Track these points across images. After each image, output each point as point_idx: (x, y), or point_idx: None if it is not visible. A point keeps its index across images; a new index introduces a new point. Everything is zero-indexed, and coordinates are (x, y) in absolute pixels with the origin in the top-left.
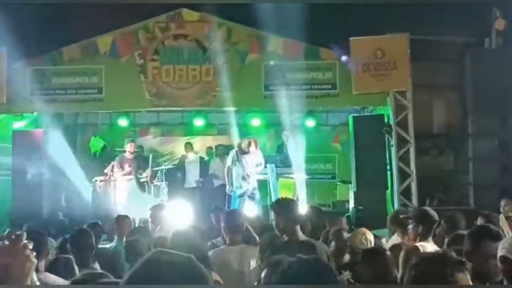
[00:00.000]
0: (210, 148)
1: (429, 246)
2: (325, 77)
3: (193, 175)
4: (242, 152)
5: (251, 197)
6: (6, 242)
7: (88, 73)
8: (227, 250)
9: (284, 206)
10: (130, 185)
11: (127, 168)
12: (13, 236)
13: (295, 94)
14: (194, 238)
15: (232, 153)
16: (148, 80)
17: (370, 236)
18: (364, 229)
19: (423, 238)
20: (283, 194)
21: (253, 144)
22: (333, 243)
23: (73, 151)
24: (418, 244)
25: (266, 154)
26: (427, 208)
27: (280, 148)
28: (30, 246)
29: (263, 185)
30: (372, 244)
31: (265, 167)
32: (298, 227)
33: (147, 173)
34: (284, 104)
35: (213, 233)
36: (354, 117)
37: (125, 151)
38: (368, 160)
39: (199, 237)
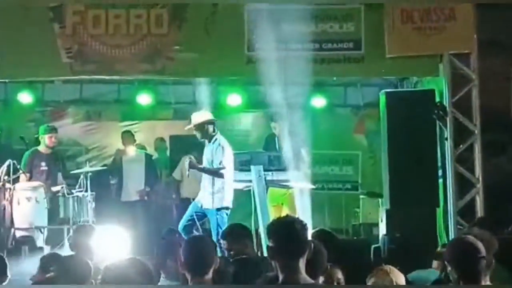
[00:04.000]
0: (162, 140)
1: None
2: (344, 30)
3: (134, 182)
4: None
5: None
6: None
7: None
8: None
9: (284, 229)
10: (36, 196)
11: (43, 169)
12: None
13: (295, 57)
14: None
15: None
16: (65, 32)
17: (398, 278)
18: (388, 268)
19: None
20: (276, 211)
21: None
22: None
23: None
24: None
25: (249, 149)
26: (465, 237)
27: (271, 140)
28: None
29: (243, 197)
30: None
31: (246, 169)
32: (301, 263)
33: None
34: (278, 73)
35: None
36: (387, 93)
37: (34, 143)
38: (409, 161)
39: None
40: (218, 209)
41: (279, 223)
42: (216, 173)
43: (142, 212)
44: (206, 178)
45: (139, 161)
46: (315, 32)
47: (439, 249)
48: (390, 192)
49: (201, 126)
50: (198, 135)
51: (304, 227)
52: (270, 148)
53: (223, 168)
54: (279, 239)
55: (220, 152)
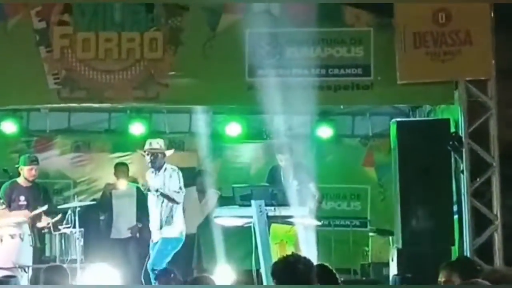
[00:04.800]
0: None
1: None
2: (352, 54)
3: (125, 218)
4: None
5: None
6: None
7: None
8: None
9: (288, 269)
10: (21, 233)
11: (21, 203)
12: None
13: (299, 84)
14: None
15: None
16: (53, 56)
17: None
18: None
19: None
20: (279, 249)
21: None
22: None
23: None
24: None
25: (249, 182)
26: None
27: (275, 173)
28: None
29: (242, 235)
30: None
31: (246, 204)
32: None
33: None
34: (281, 101)
35: None
36: (399, 123)
37: (18, 175)
38: (422, 196)
39: None
40: (164, 238)
41: (283, 262)
42: (173, 199)
43: (133, 250)
44: (153, 210)
45: (131, 196)
46: (320, 57)
47: None
48: (402, 229)
49: (153, 153)
50: (148, 161)
51: (309, 266)
52: (274, 181)
53: (181, 192)
54: (282, 280)
55: (175, 179)
